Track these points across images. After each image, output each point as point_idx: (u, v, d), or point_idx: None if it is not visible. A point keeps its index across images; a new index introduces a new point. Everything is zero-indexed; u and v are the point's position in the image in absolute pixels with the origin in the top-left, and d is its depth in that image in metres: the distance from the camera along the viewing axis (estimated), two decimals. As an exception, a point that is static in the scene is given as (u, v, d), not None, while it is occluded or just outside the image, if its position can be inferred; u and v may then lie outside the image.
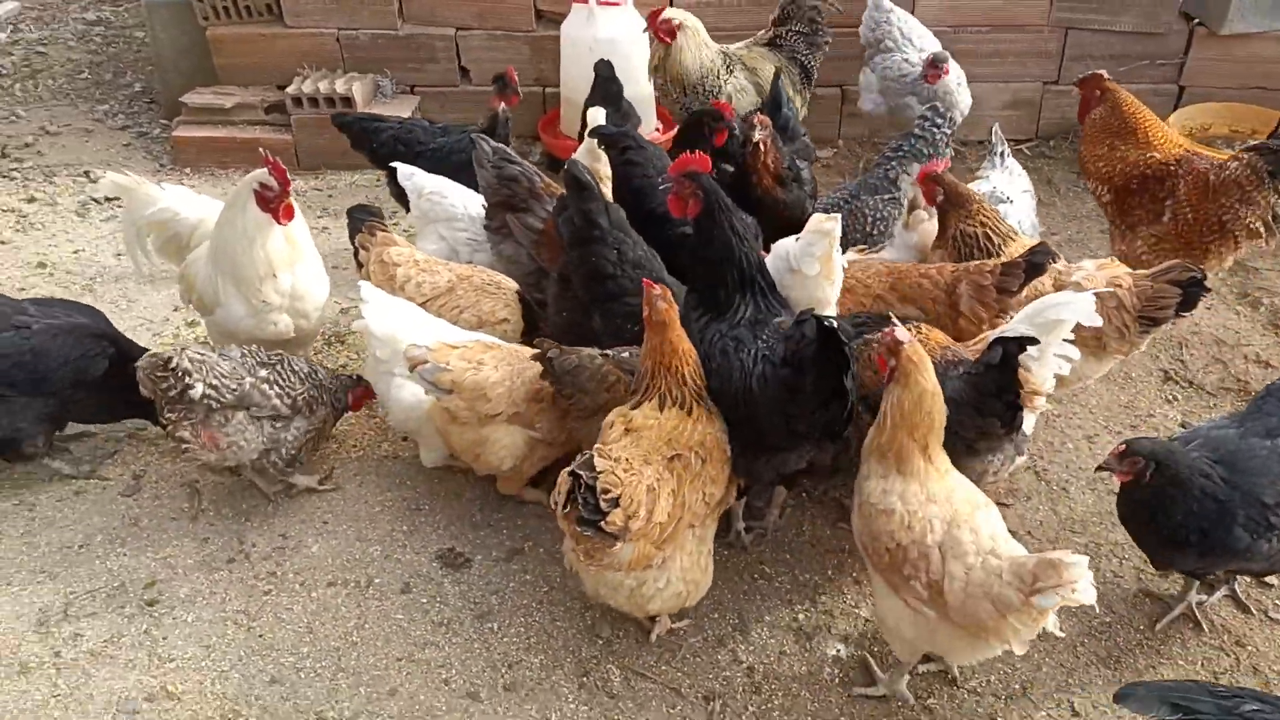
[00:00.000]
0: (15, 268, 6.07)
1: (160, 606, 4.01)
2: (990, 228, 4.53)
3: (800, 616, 4.01)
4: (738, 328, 3.86)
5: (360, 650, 3.86)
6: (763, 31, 6.50)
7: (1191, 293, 4.20)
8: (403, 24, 7.11)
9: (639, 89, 6.55)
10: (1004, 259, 4.34)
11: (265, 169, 4.37)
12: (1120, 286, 4.21)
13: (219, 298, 4.56)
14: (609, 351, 4.01)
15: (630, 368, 3.90)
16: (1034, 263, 4.14)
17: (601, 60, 6.08)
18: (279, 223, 4.45)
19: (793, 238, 4.28)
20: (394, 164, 5.24)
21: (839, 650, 3.89)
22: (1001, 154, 5.41)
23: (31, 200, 6.72)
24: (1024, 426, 3.92)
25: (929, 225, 4.81)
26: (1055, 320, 3.77)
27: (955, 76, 6.33)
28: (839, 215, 4.18)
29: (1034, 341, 3.63)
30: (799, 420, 3.63)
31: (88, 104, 7.99)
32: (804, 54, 6.39)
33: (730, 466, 3.73)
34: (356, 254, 4.84)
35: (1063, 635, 3.82)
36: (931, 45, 6.45)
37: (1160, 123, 5.28)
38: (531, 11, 7.04)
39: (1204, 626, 3.97)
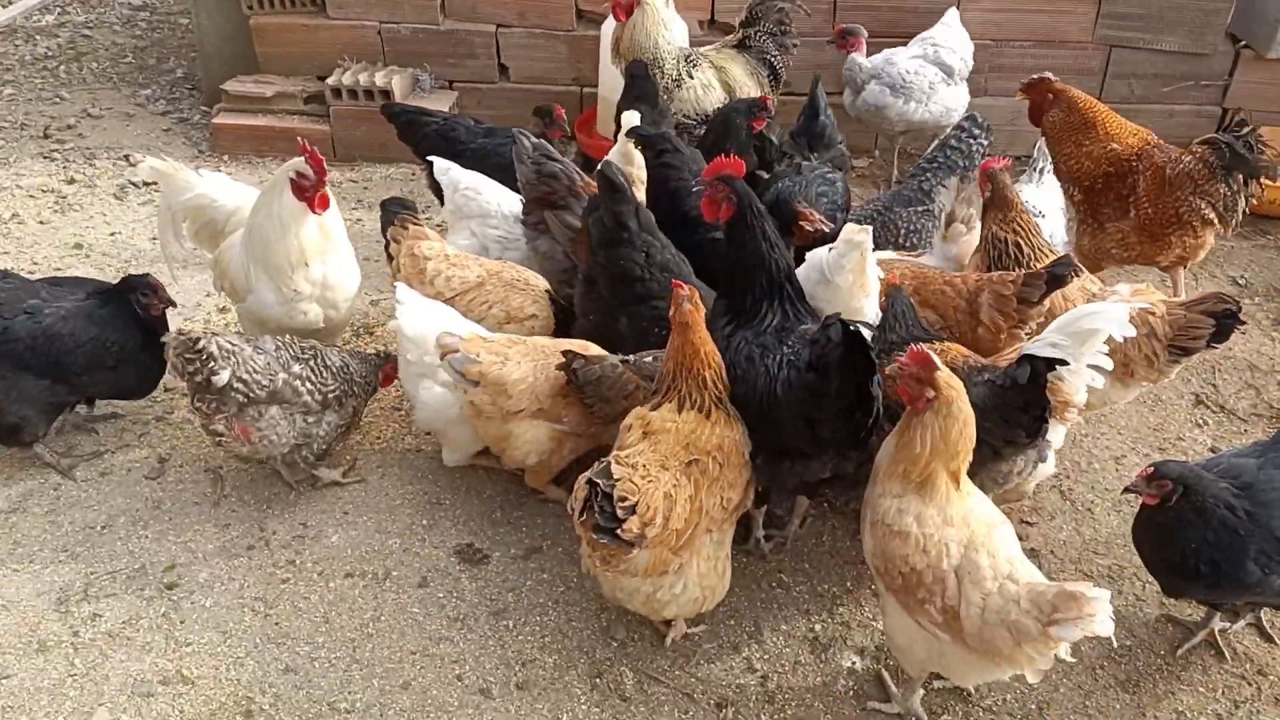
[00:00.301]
0: (52, 248, 6.14)
1: (179, 590, 4.04)
2: (1023, 237, 4.47)
3: (817, 627, 3.99)
4: (764, 335, 3.85)
5: (375, 642, 3.86)
6: (731, 35, 6.48)
7: (1225, 324, 4.13)
8: (444, 19, 7.14)
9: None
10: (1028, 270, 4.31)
11: (302, 158, 4.37)
12: (1154, 314, 4.15)
13: (250, 284, 4.56)
14: (630, 357, 4.01)
15: (651, 373, 3.91)
16: (1055, 274, 4.09)
17: (636, 60, 6.08)
18: (314, 212, 4.45)
19: (826, 247, 4.28)
20: (431, 158, 5.25)
21: (854, 662, 3.86)
22: (1041, 170, 5.35)
23: (71, 181, 6.80)
24: (1052, 437, 3.90)
25: (968, 238, 4.77)
26: (1089, 330, 3.69)
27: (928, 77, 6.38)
28: (870, 226, 4.17)
29: (1063, 363, 3.59)
30: (823, 426, 3.62)
31: (130, 88, 8.08)
32: (773, 55, 6.38)
33: (749, 471, 3.71)
34: (388, 246, 4.85)
35: (1075, 660, 3.79)
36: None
37: (1117, 115, 5.40)
38: (572, 10, 7.05)
39: (1225, 654, 3.91)
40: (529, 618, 3.97)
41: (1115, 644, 3.92)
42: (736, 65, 6.30)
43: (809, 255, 4.45)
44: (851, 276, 4.10)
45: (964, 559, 3.22)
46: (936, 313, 4.29)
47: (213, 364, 4.00)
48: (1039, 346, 3.70)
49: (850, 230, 4.11)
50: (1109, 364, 3.75)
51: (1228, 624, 3.99)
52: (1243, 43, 6.84)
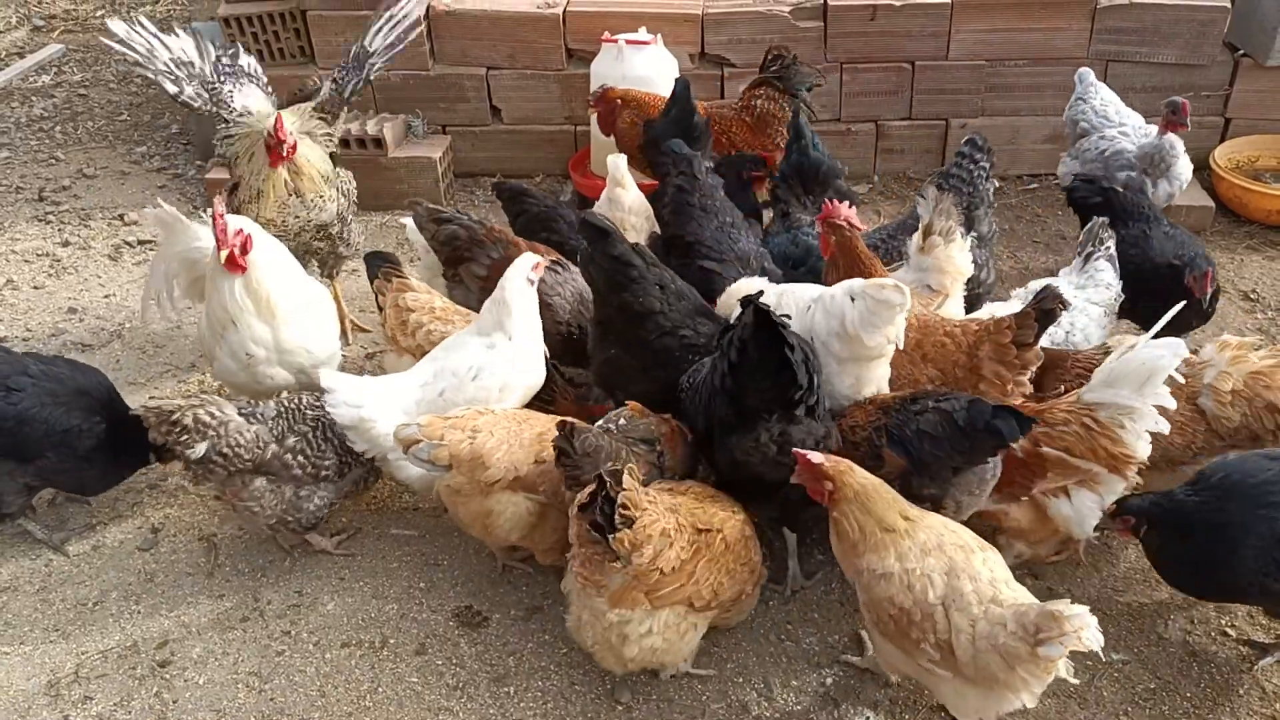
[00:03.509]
0: (47, 313, 6.10)
1: (172, 668, 3.95)
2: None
3: (829, 681, 3.86)
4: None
5: (373, 715, 3.76)
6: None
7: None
8: (434, 64, 7.10)
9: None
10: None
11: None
12: (1269, 386, 3.93)
13: (213, 351, 4.48)
14: (610, 425, 3.93)
15: (638, 435, 3.86)
16: (1044, 309, 3.97)
17: (680, 79, 5.98)
18: (230, 270, 4.30)
19: (845, 293, 3.96)
20: (405, 219, 5.27)
21: (868, 718, 3.73)
22: (1089, 255, 4.92)
23: (66, 244, 6.76)
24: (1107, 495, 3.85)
25: (944, 251, 4.62)
26: (1145, 369, 3.64)
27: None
28: (909, 288, 3.87)
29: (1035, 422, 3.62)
30: (747, 395, 3.70)
31: (126, 145, 8.06)
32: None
33: (751, 579, 3.76)
34: (377, 298, 4.79)
35: (1098, 707, 3.68)
36: (1131, 119, 6.05)
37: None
38: (562, 50, 6.99)
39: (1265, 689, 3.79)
40: (530, 683, 3.86)
41: (1140, 686, 3.80)
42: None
43: (823, 293, 4.11)
44: (881, 336, 3.86)
45: (948, 587, 3.21)
46: (936, 367, 4.16)
47: (186, 437, 3.93)
48: (1097, 391, 3.74)
49: (887, 290, 3.77)
50: (1173, 403, 3.64)
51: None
52: (1241, 52, 6.73)
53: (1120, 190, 5.15)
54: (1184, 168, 5.73)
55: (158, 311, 4.98)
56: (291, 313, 4.44)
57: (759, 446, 3.75)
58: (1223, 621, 4.04)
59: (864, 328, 3.85)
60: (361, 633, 4.07)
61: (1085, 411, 3.78)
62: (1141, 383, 3.64)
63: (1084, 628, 3.00)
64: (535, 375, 4.34)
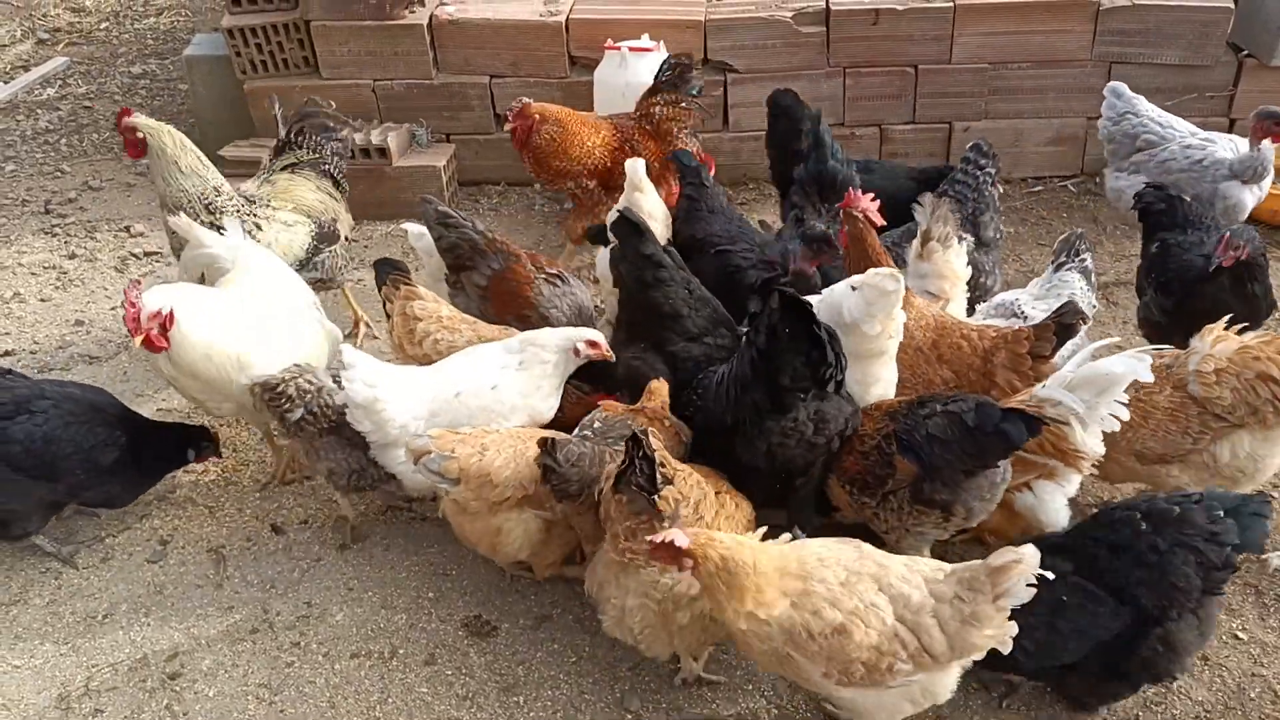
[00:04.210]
0: (54, 325, 6.12)
1: (182, 680, 3.96)
2: None
3: (837, 687, 3.86)
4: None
5: (382, 726, 3.78)
6: (269, 158, 5.94)
7: None
8: (437, 73, 7.10)
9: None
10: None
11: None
12: (1258, 358, 3.94)
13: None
14: (586, 431, 3.93)
15: (617, 435, 3.83)
16: (1064, 324, 4.00)
17: (775, 91, 5.92)
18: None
19: (846, 284, 4.05)
20: (406, 224, 5.28)
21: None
22: (1059, 265, 4.91)
23: (72, 256, 6.77)
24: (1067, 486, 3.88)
25: (942, 256, 4.62)
26: (1107, 379, 3.64)
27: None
28: (903, 272, 4.02)
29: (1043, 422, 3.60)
30: (781, 375, 3.75)
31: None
32: (330, 165, 5.86)
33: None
34: (384, 305, 4.81)
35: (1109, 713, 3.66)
36: (1187, 126, 5.99)
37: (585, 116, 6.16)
38: (565, 58, 7.00)
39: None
40: (540, 692, 3.86)
41: (1150, 690, 3.79)
42: (303, 189, 5.68)
43: (826, 293, 4.23)
44: (879, 325, 3.92)
45: (892, 597, 3.17)
46: (951, 369, 4.18)
47: (288, 405, 4.26)
48: (1050, 389, 3.65)
49: (882, 276, 3.89)
50: (1126, 414, 3.63)
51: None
52: (1245, 52, 6.72)
53: (1185, 198, 5.09)
54: (1270, 176, 5.74)
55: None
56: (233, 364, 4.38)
57: (797, 426, 3.81)
58: (1234, 625, 4.02)
59: (863, 318, 3.90)
60: (371, 643, 4.08)
61: (1035, 407, 3.73)
62: (1099, 390, 3.64)
63: (1033, 563, 3.08)
64: (545, 410, 4.34)
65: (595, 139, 6.06)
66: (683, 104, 6.10)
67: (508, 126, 6.08)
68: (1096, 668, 3.47)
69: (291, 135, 5.82)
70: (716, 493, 3.66)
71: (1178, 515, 3.36)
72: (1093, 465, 3.88)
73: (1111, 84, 6.14)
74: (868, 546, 3.33)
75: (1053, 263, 4.93)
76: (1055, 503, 3.94)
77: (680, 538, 3.10)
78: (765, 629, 3.17)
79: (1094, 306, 4.84)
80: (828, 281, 4.44)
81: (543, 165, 6.04)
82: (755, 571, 3.13)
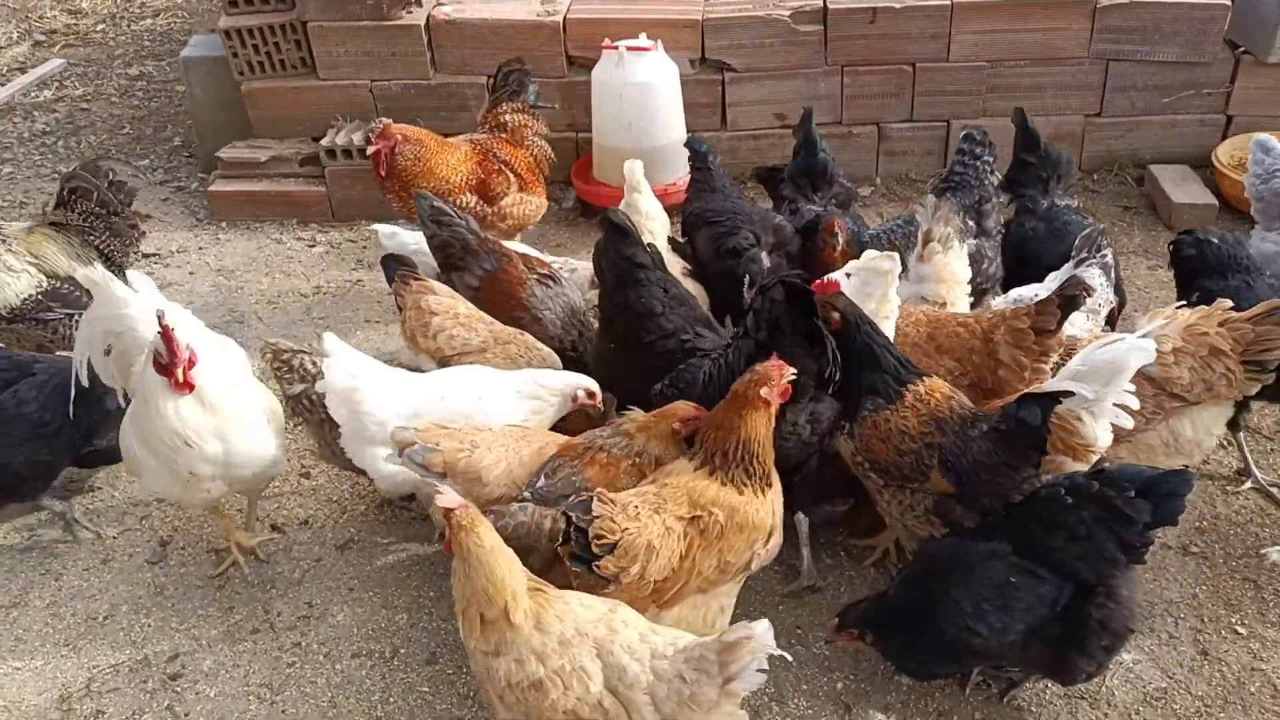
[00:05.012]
0: (51, 328, 6.10)
1: (183, 680, 3.96)
2: None
3: (839, 685, 3.86)
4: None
5: (384, 725, 3.78)
6: (50, 205, 5.61)
7: None
8: (435, 73, 7.10)
9: (671, 134, 6.49)
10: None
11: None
12: (1205, 334, 4.00)
13: (140, 467, 4.07)
14: (527, 493, 3.75)
15: (565, 493, 3.68)
16: (1067, 296, 3.99)
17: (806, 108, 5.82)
18: (177, 389, 3.87)
19: (842, 272, 4.19)
20: (375, 225, 5.46)
21: (880, 721, 3.74)
22: (1080, 261, 4.79)
23: (70, 258, 6.76)
24: None
25: (943, 258, 4.63)
26: (1112, 366, 3.57)
27: None
28: (896, 254, 4.13)
29: (1068, 394, 3.51)
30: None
31: (128, 159, 8.06)
32: (102, 239, 5.44)
33: (763, 542, 3.57)
34: (396, 299, 4.83)
35: (1110, 707, 3.67)
36: None
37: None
38: (562, 58, 7.00)
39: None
40: (541, 690, 3.86)
41: (1151, 685, 3.79)
42: (54, 248, 5.30)
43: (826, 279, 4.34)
44: (874, 304, 4.04)
45: (608, 668, 3.01)
46: (953, 358, 4.19)
47: (289, 375, 4.38)
48: (1059, 383, 3.63)
49: (875, 258, 4.06)
50: (1136, 402, 3.61)
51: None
52: (1242, 49, 6.73)
53: (1214, 241, 4.75)
54: None
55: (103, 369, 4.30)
56: (242, 419, 4.07)
57: (795, 429, 3.82)
58: (1233, 620, 4.03)
59: (858, 297, 4.02)
60: (372, 643, 4.08)
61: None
62: (1107, 379, 3.59)
63: (765, 641, 2.96)
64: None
65: (457, 155, 5.96)
66: (529, 111, 6.20)
67: (370, 150, 5.85)
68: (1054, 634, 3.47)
69: (64, 195, 5.45)
70: (690, 518, 3.45)
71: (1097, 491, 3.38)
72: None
73: (1258, 138, 5.45)
74: (623, 609, 3.16)
75: (1073, 258, 4.83)
76: None
77: (450, 499, 3.10)
78: (476, 654, 3.09)
79: (1111, 303, 4.80)
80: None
81: (410, 189, 5.71)
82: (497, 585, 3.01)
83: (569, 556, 3.28)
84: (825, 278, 4.00)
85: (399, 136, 5.81)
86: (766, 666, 2.98)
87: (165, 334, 3.77)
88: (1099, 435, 3.64)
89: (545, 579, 3.26)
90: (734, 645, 2.95)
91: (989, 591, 3.42)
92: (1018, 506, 3.60)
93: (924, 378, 3.86)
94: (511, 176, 6.07)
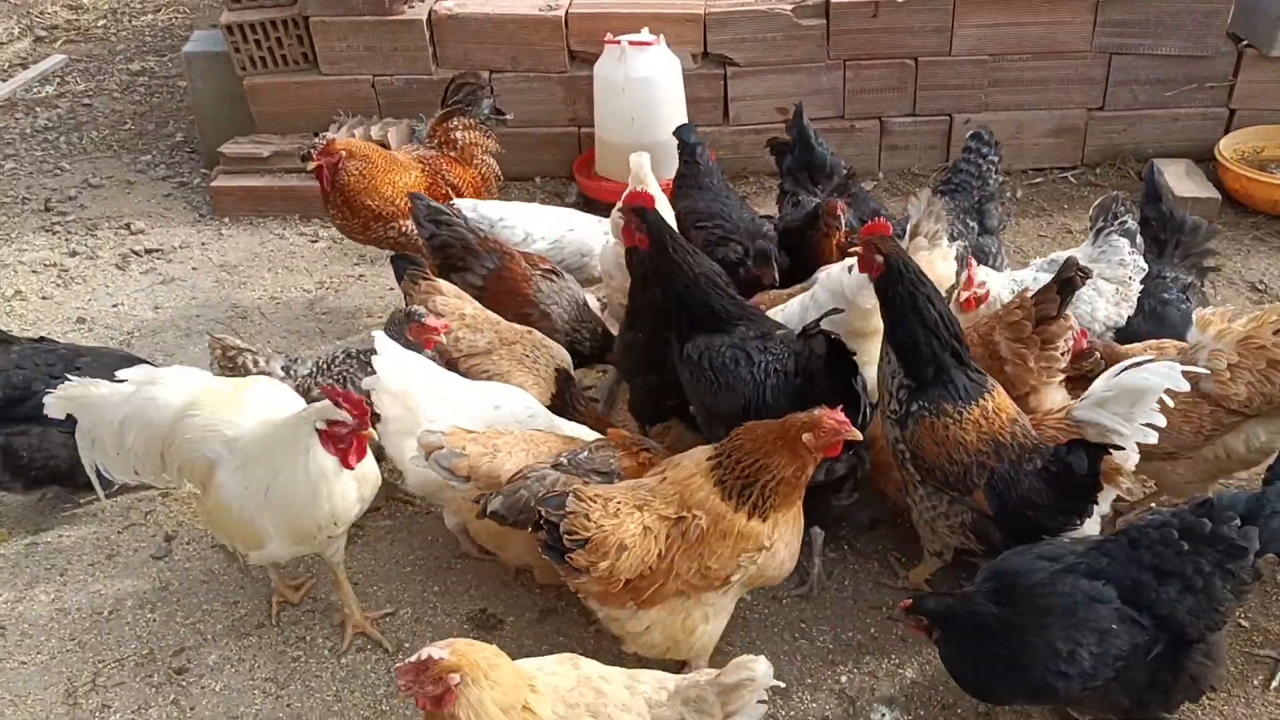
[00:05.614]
0: (55, 323, 6.12)
1: (188, 675, 3.97)
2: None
3: (843, 679, 3.87)
4: (745, 342, 4.07)
5: (389, 720, 3.79)
6: None
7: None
8: (437, 68, 7.10)
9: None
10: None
11: (328, 402, 3.57)
12: (1263, 347, 3.91)
13: (262, 541, 3.76)
14: (552, 466, 3.77)
15: (598, 469, 3.76)
16: (1065, 280, 3.96)
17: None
18: (347, 466, 3.67)
19: (842, 265, 4.22)
20: (453, 201, 5.41)
21: (884, 714, 3.73)
22: (1100, 231, 4.69)
23: (73, 254, 6.77)
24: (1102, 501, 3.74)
25: (928, 254, 4.60)
26: (1138, 390, 3.55)
27: None
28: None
29: (1118, 448, 3.52)
30: None
31: (130, 155, 8.07)
32: None
33: (751, 559, 3.48)
34: (405, 299, 4.80)
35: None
36: None
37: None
38: (564, 53, 7.00)
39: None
40: (546, 685, 3.87)
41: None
42: None
43: (821, 274, 4.38)
44: (875, 299, 3.99)
45: None
46: None
47: (231, 368, 4.39)
48: (1087, 409, 3.64)
49: None
50: (1163, 420, 3.56)
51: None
52: (1245, 42, 6.72)
53: None
54: None
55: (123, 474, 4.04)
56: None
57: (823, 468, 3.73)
58: (1236, 613, 4.04)
59: (858, 290, 4.12)
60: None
61: (1074, 429, 3.69)
62: (1132, 403, 3.55)
63: (766, 679, 2.90)
64: None
65: (406, 177, 5.74)
66: (481, 127, 6.08)
67: (311, 166, 5.65)
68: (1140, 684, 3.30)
69: None
70: (674, 518, 3.41)
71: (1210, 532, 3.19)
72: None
73: None
74: (586, 664, 2.98)
75: (1091, 228, 4.73)
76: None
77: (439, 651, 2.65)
78: None
79: (1142, 269, 4.62)
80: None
81: (354, 207, 5.63)
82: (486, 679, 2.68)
83: (542, 546, 3.35)
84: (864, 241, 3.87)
85: (343, 153, 5.61)
86: (766, 698, 2.94)
87: (347, 397, 3.55)
88: (1130, 459, 3.63)
89: None
90: (734, 687, 2.89)
91: (1089, 638, 3.16)
92: (1118, 541, 3.34)
93: (993, 391, 3.75)
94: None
